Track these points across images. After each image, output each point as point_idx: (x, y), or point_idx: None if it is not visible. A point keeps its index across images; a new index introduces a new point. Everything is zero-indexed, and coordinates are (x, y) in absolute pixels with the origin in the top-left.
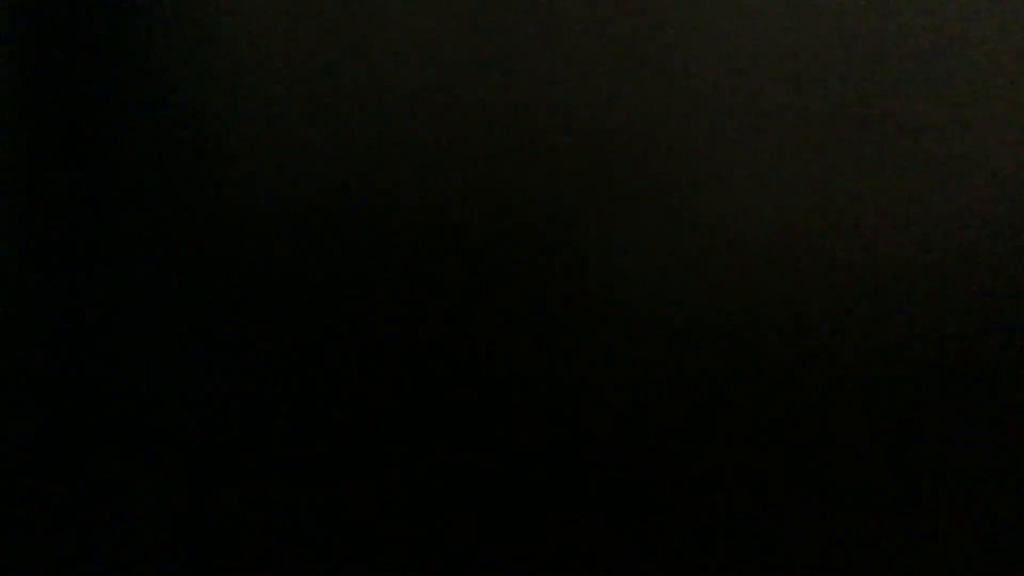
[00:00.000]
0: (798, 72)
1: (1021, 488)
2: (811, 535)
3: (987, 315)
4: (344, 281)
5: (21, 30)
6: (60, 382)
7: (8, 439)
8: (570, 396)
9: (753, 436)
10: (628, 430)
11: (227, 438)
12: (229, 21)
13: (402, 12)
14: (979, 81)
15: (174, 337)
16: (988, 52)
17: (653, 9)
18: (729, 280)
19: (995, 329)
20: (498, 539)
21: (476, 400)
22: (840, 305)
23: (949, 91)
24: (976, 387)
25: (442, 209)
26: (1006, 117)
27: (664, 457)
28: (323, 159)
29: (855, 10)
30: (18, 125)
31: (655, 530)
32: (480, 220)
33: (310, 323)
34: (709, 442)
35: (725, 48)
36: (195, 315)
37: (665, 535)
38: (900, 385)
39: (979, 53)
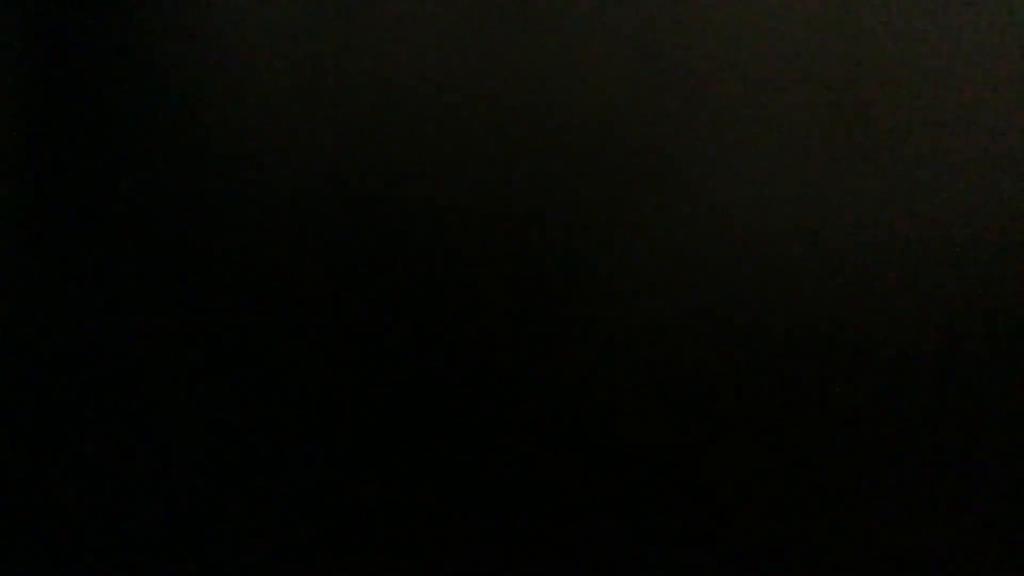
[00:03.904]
0: (798, 72)
1: (1021, 488)
2: (811, 535)
3: (987, 315)
4: (343, 280)
5: (21, 30)
6: (60, 382)
7: (8, 438)
8: (570, 395)
9: (753, 435)
10: (627, 430)
11: (227, 438)
12: (229, 19)
13: (403, 10)
14: (979, 81)
15: (174, 337)
16: (988, 52)
17: (654, 9)
18: (729, 279)
19: (995, 328)
20: (498, 539)
21: (476, 399)
22: (841, 304)
23: (949, 90)
24: (975, 387)
25: (442, 209)
26: (1006, 117)
27: (664, 457)
28: (323, 159)
29: (856, 10)
30: (18, 125)
31: (656, 531)
32: (480, 219)
33: (310, 323)
34: (709, 442)
35: (726, 47)
36: (195, 314)
37: (666, 536)
38: (899, 384)
39: (979, 53)
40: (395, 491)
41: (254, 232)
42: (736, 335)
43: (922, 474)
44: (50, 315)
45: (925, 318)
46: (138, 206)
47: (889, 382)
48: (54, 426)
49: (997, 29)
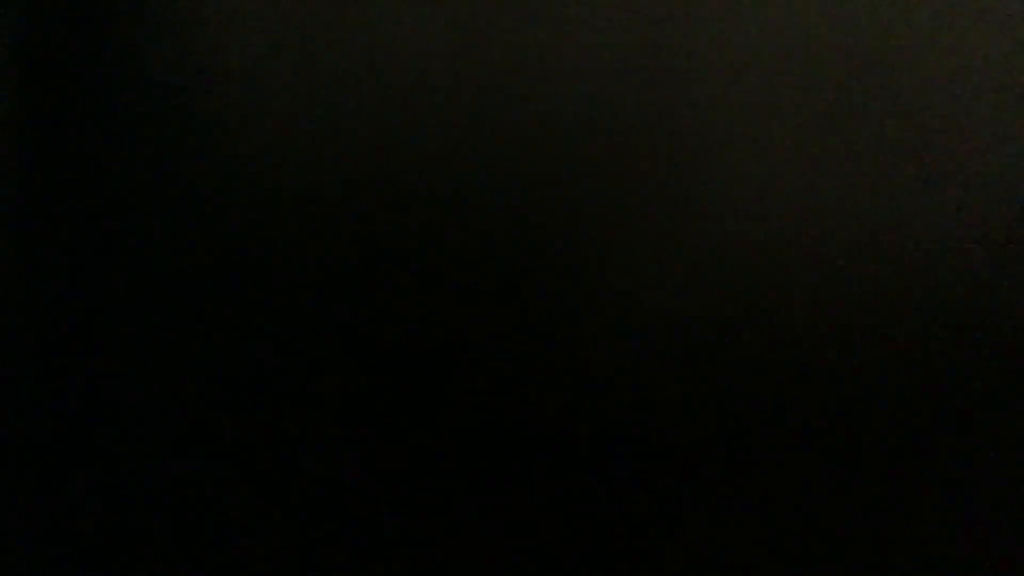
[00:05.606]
0: (799, 72)
1: (1021, 488)
2: (811, 535)
3: (986, 315)
4: (342, 278)
5: (21, 29)
6: (59, 382)
7: (8, 439)
8: (570, 396)
9: (752, 437)
10: (626, 429)
11: (227, 438)
12: (229, 18)
13: (403, 10)
14: (979, 81)
15: (175, 337)
16: (988, 52)
17: (654, 9)
18: (729, 279)
19: (995, 329)
20: (497, 539)
21: (475, 399)
22: (840, 304)
23: (949, 90)
24: (974, 387)
25: (441, 209)
26: (1006, 117)
27: (664, 457)
28: (324, 158)
29: (856, 9)
30: (18, 124)
31: (657, 532)
32: (481, 220)
33: (310, 323)
34: (708, 443)
35: (726, 47)
36: (195, 315)
37: (666, 537)
38: (897, 384)
39: (979, 53)
40: (393, 490)
41: (253, 231)
42: (735, 335)
43: (921, 474)
44: (50, 315)
45: (924, 318)
46: (137, 206)
47: (888, 382)
48: (54, 426)
49: (997, 29)
